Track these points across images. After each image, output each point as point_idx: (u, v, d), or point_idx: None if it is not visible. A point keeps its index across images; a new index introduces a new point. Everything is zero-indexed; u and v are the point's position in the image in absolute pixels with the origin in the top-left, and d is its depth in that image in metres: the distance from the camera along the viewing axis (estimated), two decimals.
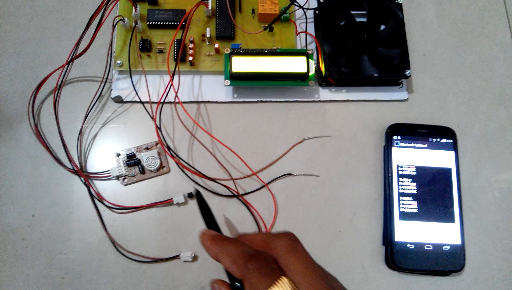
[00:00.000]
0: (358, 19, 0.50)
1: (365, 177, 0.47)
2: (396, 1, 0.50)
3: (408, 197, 0.45)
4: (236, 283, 0.24)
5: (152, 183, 0.46)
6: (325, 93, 0.49)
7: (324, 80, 0.48)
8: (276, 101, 0.49)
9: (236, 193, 0.45)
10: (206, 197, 0.45)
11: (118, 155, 0.46)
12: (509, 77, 0.51)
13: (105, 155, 0.46)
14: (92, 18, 0.46)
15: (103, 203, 0.44)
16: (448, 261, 0.43)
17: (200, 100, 0.48)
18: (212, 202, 0.45)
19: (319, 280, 0.23)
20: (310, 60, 0.46)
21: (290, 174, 0.46)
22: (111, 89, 0.48)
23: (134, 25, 0.48)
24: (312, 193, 0.46)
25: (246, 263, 0.24)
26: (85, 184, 0.45)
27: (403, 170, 0.45)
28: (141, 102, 0.47)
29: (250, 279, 0.24)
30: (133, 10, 0.48)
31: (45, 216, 0.44)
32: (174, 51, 0.47)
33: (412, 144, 0.46)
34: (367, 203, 0.46)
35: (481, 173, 0.47)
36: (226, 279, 0.28)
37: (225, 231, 0.44)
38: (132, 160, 0.45)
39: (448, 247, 0.43)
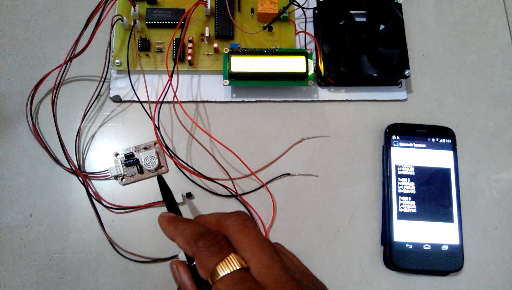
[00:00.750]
0: (357, 19, 0.50)
1: (364, 177, 0.47)
2: (396, 1, 0.50)
3: (407, 197, 0.45)
4: (194, 263, 0.25)
5: (150, 183, 0.45)
6: (324, 93, 0.49)
7: (323, 80, 0.48)
8: (275, 101, 0.49)
9: (234, 193, 0.45)
10: (204, 197, 0.45)
11: (116, 154, 0.46)
12: (508, 77, 0.51)
13: (103, 154, 0.46)
14: (91, 17, 0.46)
15: (101, 203, 0.44)
16: (446, 261, 0.43)
17: (199, 99, 0.48)
18: (211, 202, 0.45)
19: (268, 255, 0.24)
20: (309, 59, 0.46)
21: (289, 174, 0.46)
22: (110, 89, 0.48)
23: (132, 24, 0.47)
24: (311, 193, 0.46)
25: (196, 242, 0.24)
26: (83, 184, 0.44)
27: (401, 170, 0.45)
28: (139, 101, 0.47)
29: (200, 256, 0.24)
30: (132, 9, 0.48)
31: (43, 216, 0.44)
32: (173, 51, 0.47)
33: (411, 144, 0.46)
34: (365, 203, 0.46)
35: (480, 173, 0.47)
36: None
37: None
38: (130, 160, 0.45)
39: (446, 247, 0.43)
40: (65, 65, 0.46)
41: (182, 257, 0.43)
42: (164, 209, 0.44)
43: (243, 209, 0.45)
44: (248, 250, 0.24)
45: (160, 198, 0.44)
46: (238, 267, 0.23)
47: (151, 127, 0.46)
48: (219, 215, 0.27)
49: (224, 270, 0.23)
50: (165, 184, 0.37)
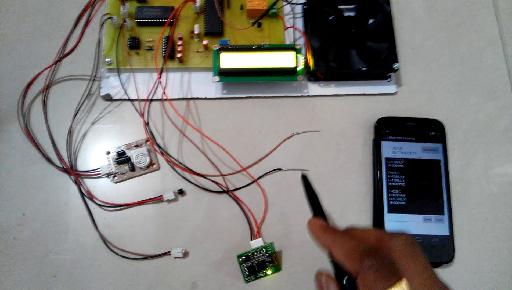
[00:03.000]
0: (346, 14, 0.50)
1: (355, 171, 0.47)
2: None
3: (397, 190, 0.45)
4: (344, 281, 0.24)
5: (142, 181, 0.46)
6: (314, 88, 0.49)
7: (313, 75, 0.48)
8: (265, 97, 0.49)
9: (226, 189, 0.45)
10: (196, 193, 0.45)
11: (108, 153, 0.46)
12: (498, 69, 0.51)
13: (95, 153, 0.46)
14: (80, 16, 0.46)
15: (94, 201, 0.45)
16: (437, 253, 0.43)
17: (189, 97, 0.48)
18: (203, 198, 0.45)
19: (438, 288, 0.22)
20: (298, 55, 0.47)
21: (280, 169, 0.46)
22: (100, 87, 0.48)
23: (122, 23, 0.48)
24: (302, 188, 0.46)
25: (362, 260, 0.23)
26: (75, 182, 0.45)
27: (392, 163, 0.46)
28: (129, 99, 0.47)
29: (366, 276, 0.23)
30: (121, 7, 0.48)
31: (36, 215, 0.44)
32: (163, 48, 0.48)
33: (400, 137, 0.46)
34: (356, 197, 0.46)
35: (470, 165, 0.48)
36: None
37: (217, 227, 0.44)
38: (122, 158, 0.45)
39: (437, 239, 0.44)
40: (55, 65, 0.46)
41: (174, 253, 0.43)
42: (153, 207, 0.45)
43: (234, 204, 0.45)
44: (416, 279, 0.22)
45: (152, 195, 0.45)
46: None
47: (142, 125, 0.47)
48: (381, 234, 0.25)
49: None
50: (310, 185, 0.33)
